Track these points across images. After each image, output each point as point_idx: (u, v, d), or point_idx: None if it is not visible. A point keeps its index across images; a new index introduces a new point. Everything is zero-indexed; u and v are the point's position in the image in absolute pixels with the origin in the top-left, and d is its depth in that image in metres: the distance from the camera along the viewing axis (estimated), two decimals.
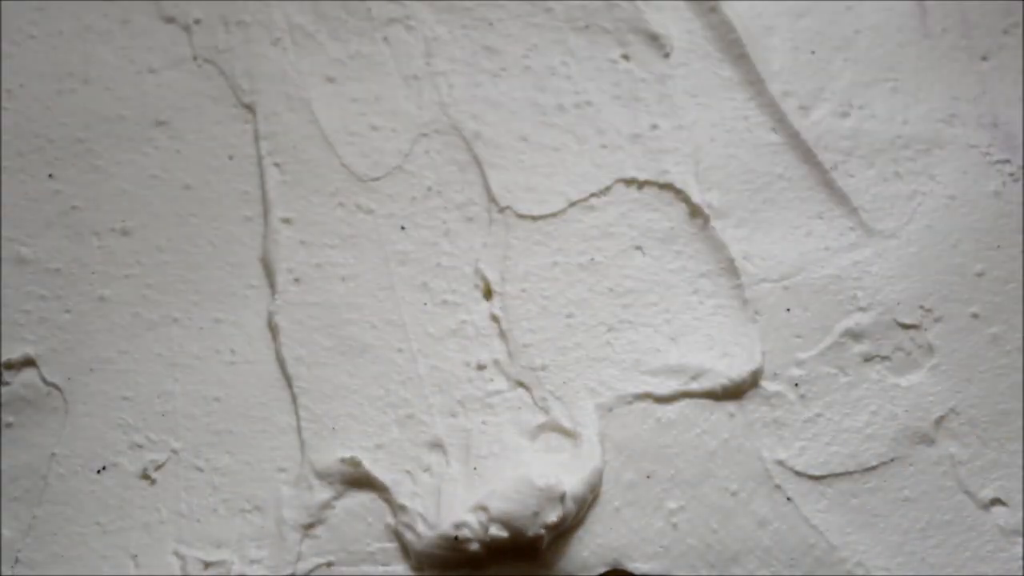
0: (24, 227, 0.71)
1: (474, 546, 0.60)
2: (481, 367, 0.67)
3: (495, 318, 0.68)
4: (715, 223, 0.70)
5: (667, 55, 0.75)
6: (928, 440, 0.64)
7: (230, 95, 0.75)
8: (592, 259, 0.69)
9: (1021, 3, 0.77)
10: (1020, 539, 0.62)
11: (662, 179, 0.71)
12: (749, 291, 0.68)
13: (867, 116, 0.73)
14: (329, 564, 0.62)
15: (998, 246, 0.69)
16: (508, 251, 0.70)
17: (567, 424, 0.65)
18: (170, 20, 0.78)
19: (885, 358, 0.66)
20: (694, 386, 0.65)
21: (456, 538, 0.60)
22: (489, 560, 0.61)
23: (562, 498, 0.61)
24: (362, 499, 0.63)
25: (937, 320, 0.67)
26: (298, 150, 0.73)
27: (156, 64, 0.76)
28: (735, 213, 0.71)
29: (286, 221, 0.71)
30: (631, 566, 0.62)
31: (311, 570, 0.62)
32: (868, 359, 0.66)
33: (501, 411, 0.65)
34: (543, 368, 0.66)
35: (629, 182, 0.72)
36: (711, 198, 0.71)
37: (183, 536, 0.63)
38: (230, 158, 0.73)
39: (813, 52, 0.75)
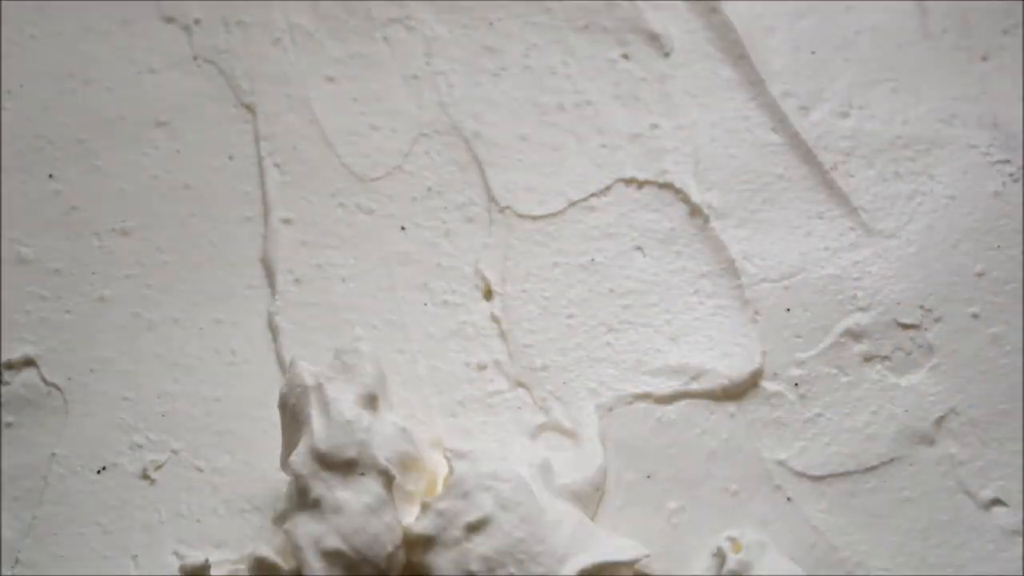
0: (24, 227, 0.71)
1: None
2: (481, 367, 0.67)
3: (495, 318, 0.68)
4: (715, 223, 0.70)
5: (667, 55, 0.75)
6: (928, 440, 0.64)
7: (230, 95, 0.75)
8: (592, 259, 0.69)
9: (1021, 3, 0.77)
10: (1020, 539, 0.62)
11: (662, 179, 0.71)
12: (749, 291, 0.68)
13: (867, 116, 0.73)
14: None
15: (998, 246, 0.69)
16: (508, 251, 0.70)
17: (567, 424, 0.65)
18: (170, 20, 0.78)
19: (885, 358, 0.66)
20: (694, 386, 0.65)
21: None
22: None
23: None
24: None
25: (937, 320, 0.67)
26: (298, 150, 0.73)
27: (156, 64, 0.76)
28: (735, 213, 0.71)
29: (286, 221, 0.71)
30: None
31: None
32: (868, 359, 0.66)
33: (501, 411, 0.65)
34: (543, 368, 0.66)
35: (629, 182, 0.72)
36: (711, 198, 0.71)
37: (183, 536, 0.63)
38: (230, 158, 0.73)
39: (813, 52, 0.75)
